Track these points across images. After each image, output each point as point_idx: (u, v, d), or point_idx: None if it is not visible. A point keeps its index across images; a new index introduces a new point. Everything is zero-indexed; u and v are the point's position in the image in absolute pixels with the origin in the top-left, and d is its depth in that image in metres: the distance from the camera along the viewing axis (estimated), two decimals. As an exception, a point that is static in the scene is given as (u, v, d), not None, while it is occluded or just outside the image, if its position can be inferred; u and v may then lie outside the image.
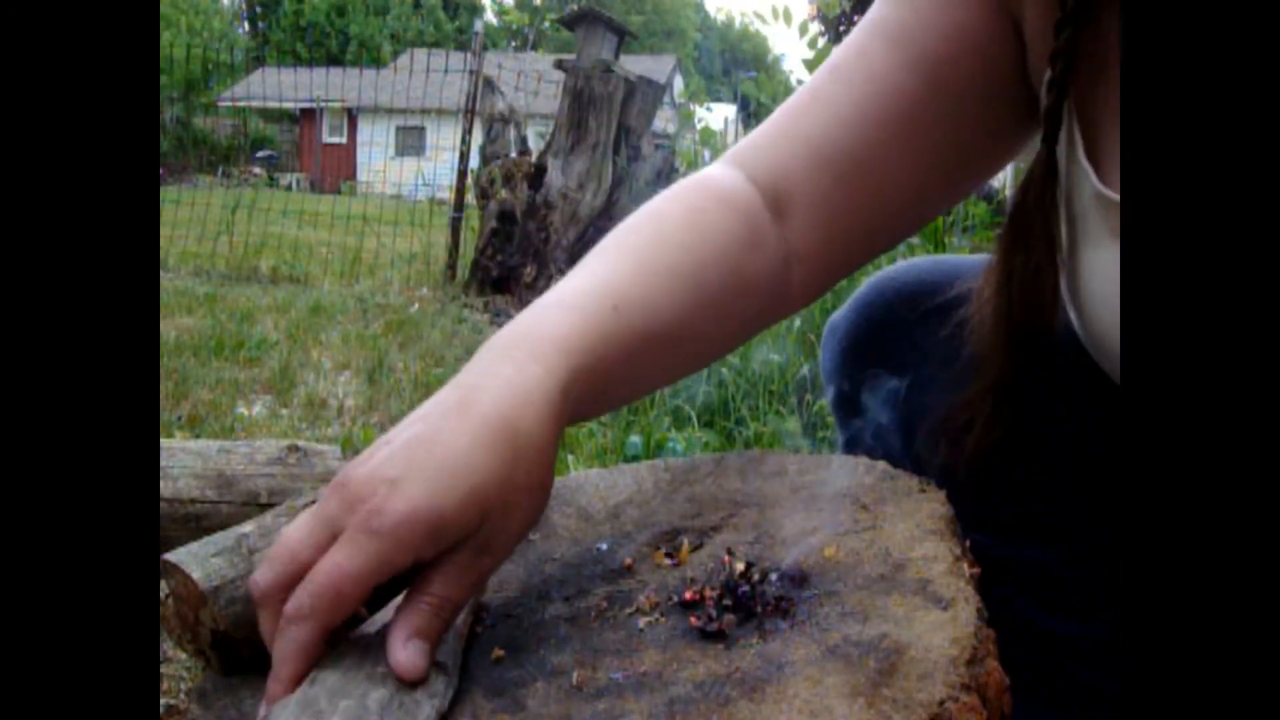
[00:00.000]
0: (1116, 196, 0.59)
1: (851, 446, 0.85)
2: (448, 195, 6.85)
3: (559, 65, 5.48)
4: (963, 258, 0.86)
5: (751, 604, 0.58)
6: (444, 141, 8.01)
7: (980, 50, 0.64)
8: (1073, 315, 0.68)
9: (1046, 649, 0.81)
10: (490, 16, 38.69)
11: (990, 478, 0.72)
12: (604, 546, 0.70)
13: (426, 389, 3.22)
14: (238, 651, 0.62)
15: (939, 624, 0.53)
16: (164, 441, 1.70)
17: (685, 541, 0.68)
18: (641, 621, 0.60)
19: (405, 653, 0.48)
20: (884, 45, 0.65)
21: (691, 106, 5.84)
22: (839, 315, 0.86)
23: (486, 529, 0.50)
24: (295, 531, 0.50)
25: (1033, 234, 0.64)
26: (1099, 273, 0.62)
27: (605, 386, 0.59)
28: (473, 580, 0.51)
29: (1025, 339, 0.66)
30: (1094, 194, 0.61)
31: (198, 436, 2.48)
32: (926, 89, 0.64)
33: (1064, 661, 0.81)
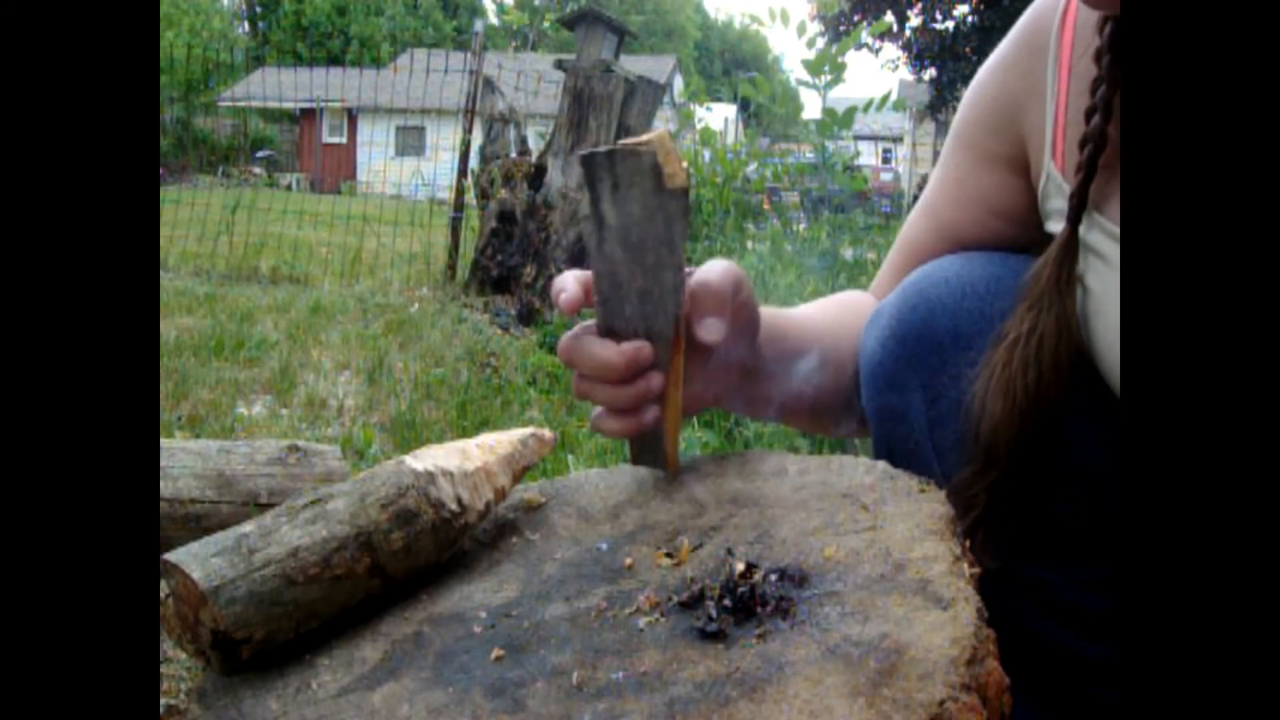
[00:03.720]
0: (1117, 229, 0.76)
1: (882, 425, 0.87)
2: (448, 195, 6.85)
3: (559, 65, 5.47)
4: (1009, 255, 0.89)
5: (751, 604, 0.58)
6: (444, 141, 8.01)
7: (993, 208, 0.92)
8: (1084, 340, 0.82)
9: (1067, 670, 0.82)
10: (491, 17, 38.72)
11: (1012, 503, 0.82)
12: (604, 546, 0.70)
13: (426, 389, 3.21)
14: (238, 651, 0.62)
15: (939, 624, 0.53)
16: (164, 441, 1.70)
17: (685, 541, 0.68)
18: (641, 621, 0.60)
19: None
20: (921, 217, 0.99)
21: (691, 106, 5.82)
22: (886, 302, 0.90)
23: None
24: None
25: (1047, 307, 0.79)
26: (1104, 299, 0.77)
27: (778, 325, 0.86)
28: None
29: (1036, 414, 0.79)
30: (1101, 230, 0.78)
31: (198, 436, 2.48)
32: (948, 245, 0.95)
33: (1085, 683, 0.82)
